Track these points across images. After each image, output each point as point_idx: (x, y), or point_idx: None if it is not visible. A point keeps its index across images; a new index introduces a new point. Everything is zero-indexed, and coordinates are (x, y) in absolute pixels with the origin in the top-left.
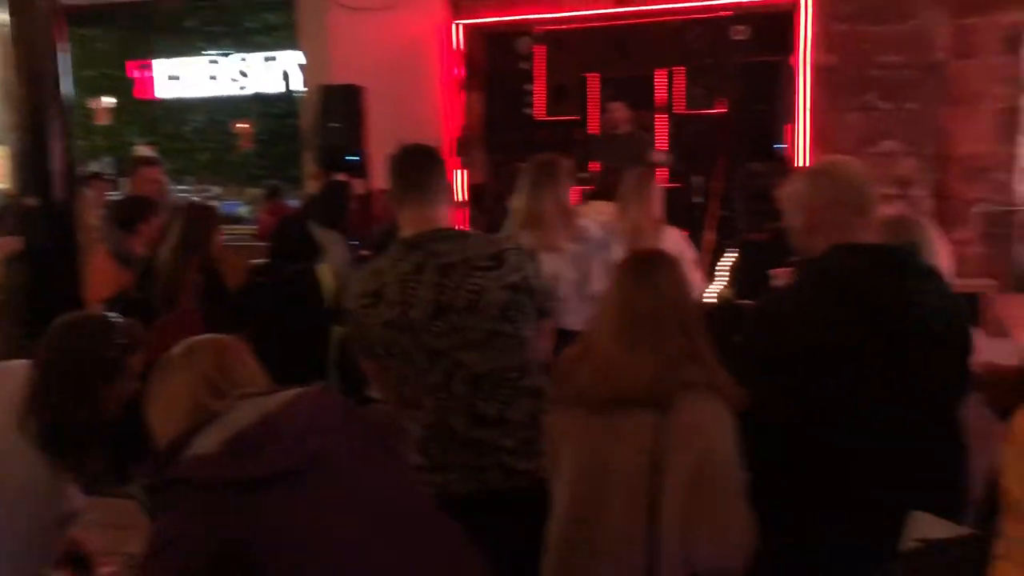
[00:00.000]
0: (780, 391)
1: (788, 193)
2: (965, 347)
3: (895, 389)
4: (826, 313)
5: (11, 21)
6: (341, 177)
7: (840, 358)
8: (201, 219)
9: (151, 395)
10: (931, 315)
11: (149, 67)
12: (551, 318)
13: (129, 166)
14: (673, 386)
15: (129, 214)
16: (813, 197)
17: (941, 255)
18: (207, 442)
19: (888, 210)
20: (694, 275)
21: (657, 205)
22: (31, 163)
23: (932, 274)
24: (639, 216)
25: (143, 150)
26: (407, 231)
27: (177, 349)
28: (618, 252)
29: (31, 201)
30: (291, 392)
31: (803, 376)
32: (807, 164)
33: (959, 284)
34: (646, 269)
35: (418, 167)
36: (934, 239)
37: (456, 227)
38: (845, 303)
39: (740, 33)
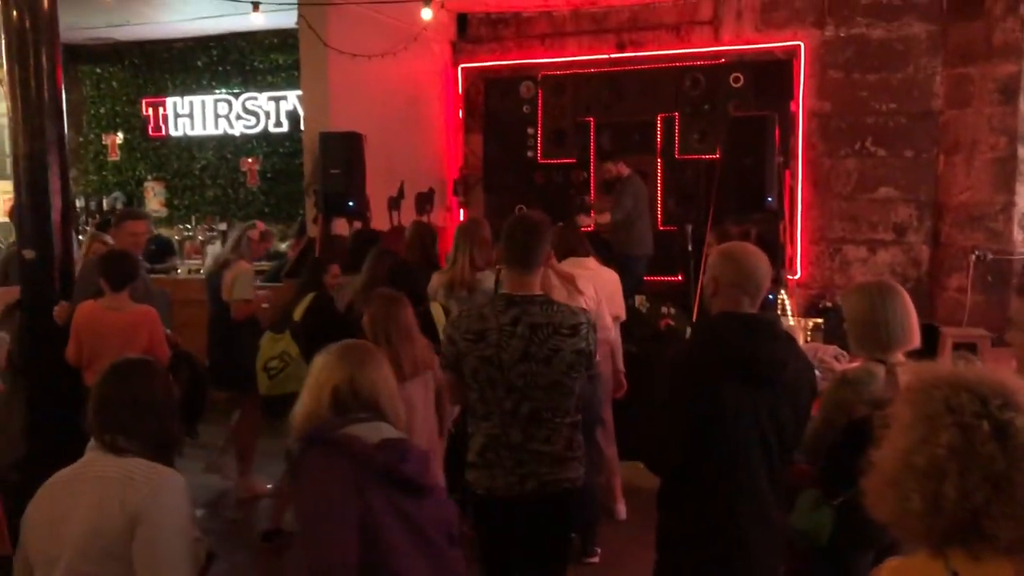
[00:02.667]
0: (675, 414)
1: (710, 263)
2: (810, 392)
3: (749, 419)
4: (702, 360)
5: (11, 75)
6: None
7: (708, 394)
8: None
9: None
10: (779, 366)
11: (161, 104)
12: (589, 376)
13: (115, 219)
14: None
15: (120, 272)
16: (720, 274)
17: (910, 319)
18: (362, 434)
19: (884, 256)
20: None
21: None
22: (31, 218)
23: (786, 336)
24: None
25: (152, 186)
26: (508, 288)
27: (336, 347)
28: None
29: (29, 253)
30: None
31: (685, 403)
32: (799, 212)
33: (955, 334)
34: None
35: (523, 241)
36: (906, 304)
37: (543, 294)
38: (715, 354)
39: (737, 81)
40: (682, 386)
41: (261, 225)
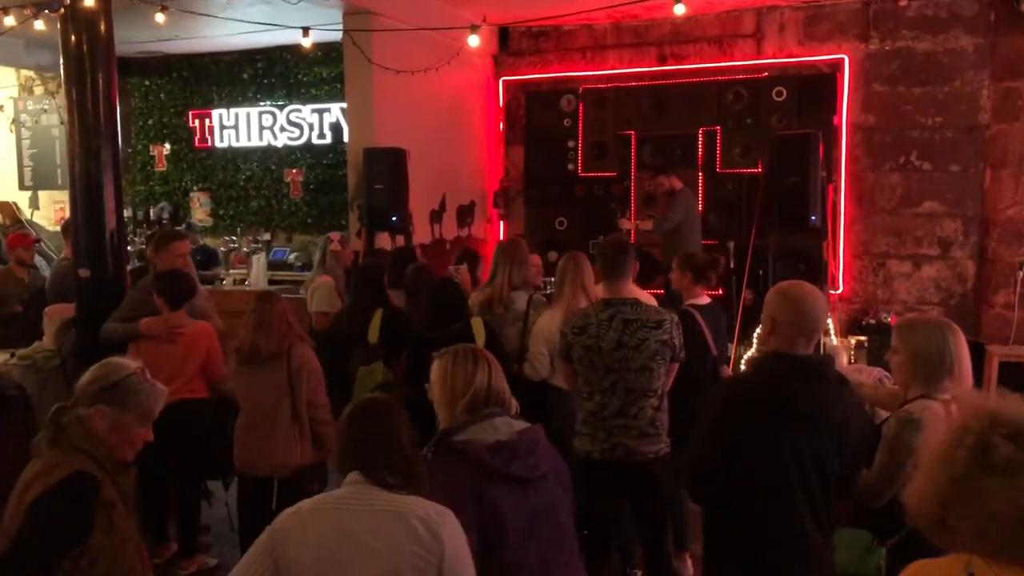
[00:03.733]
0: (719, 449)
1: (766, 301)
2: (859, 436)
3: (792, 461)
4: (749, 398)
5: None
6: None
7: (753, 432)
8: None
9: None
10: (826, 410)
11: (208, 116)
12: (677, 363)
13: (158, 239)
14: None
15: (178, 291)
16: (776, 313)
17: (964, 360)
18: (481, 436)
19: (928, 271)
20: None
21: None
22: (87, 237)
23: (837, 380)
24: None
25: (198, 196)
26: (606, 295)
27: (464, 352)
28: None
29: (85, 272)
30: (521, 423)
31: (730, 439)
32: (842, 226)
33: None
34: None
35: (614, 258)
36: (965, 346)
37: (635, 296)
38: (763, 394)
39: (780, 95)
40: (727, 421)
41: (336, 235)
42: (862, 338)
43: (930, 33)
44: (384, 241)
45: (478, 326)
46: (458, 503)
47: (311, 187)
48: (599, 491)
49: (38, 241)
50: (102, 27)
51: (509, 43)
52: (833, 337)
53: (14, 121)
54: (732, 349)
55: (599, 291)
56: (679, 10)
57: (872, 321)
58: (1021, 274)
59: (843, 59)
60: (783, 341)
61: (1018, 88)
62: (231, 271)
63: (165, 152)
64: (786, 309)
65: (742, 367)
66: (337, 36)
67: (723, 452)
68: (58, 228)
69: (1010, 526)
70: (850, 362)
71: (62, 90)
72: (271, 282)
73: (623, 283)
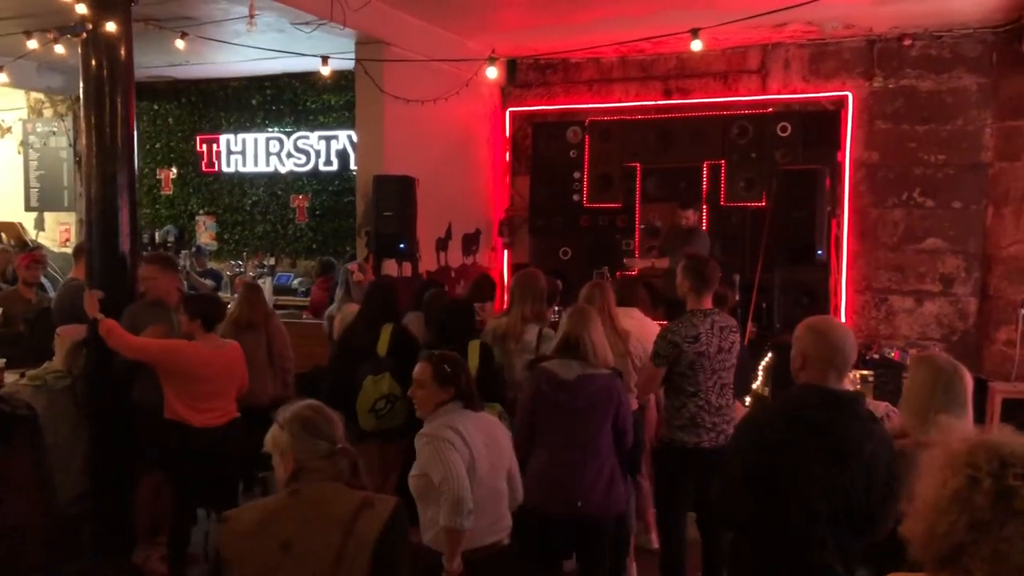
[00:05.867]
0: (748, 480)
1: (796, 336)
2: (887, 471)
3: (820, 494)
4: (779, 429)
5: (87, 120)
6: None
7: (782, 463)
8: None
9: None
10: (856, 445)
11: (215, 141)
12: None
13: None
14: None
15: (212, 313)
16: (807, 348)
17: (968, 399)
18: (555, 368)
19: (931, 307)
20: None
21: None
22: (101, 259)
23: (868, 416)
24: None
25: (204, 220)
26: (700, 306)
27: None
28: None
29: (99, 293)
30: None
31: (759, 468)
32: (845, 261)
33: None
34: None
35: (704, 274)
36: (965, 383)
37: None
38: (795, 426)
39: (785, 130)
40: (760, 453)
41: (354, 265)
42: (866, 372)
43: (934, 72)
44: (391, 268)
45: (474, 349)
46: (525, 402)
47: (316, 213)
48: (689, 483)
49: (41, 258)
50: (122, 52)
51: (517, 75)
52: None
53: (23, 143)
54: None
55: (621, 314)
56: (696, 46)
57: (876, 356)
58: (1022, 311)
59: (847, 96)
60: (815, 374)
61: (1020, 127)
62: (235, 295)
63: (172, 176)
64: (817, 344)
65: (746, 401)
66: (347, 64)
67: (755, 483)
68: (63, 249)
69: None
70: None
71: (71, 113)
72: (275, 307)
73: (710, 296)
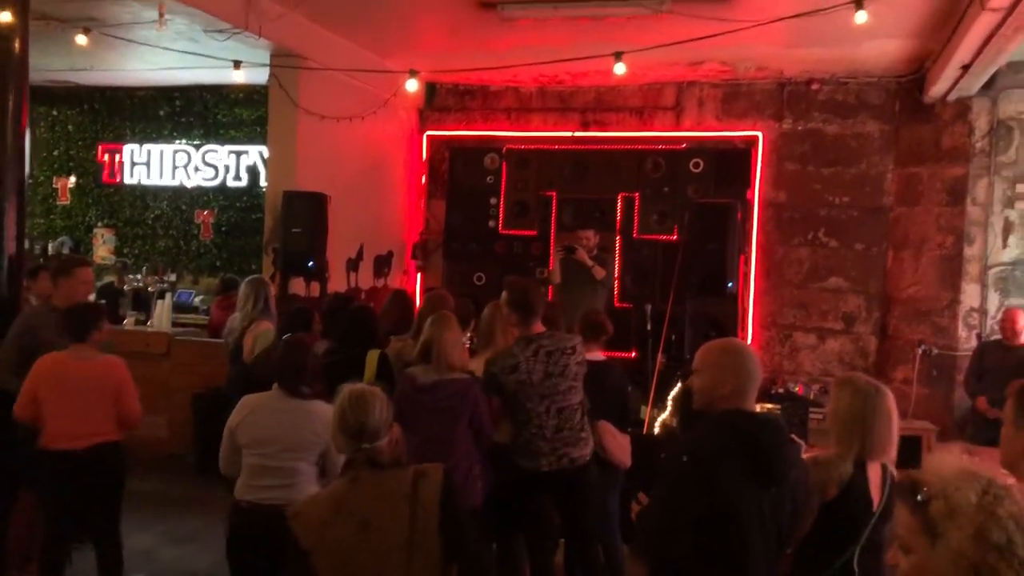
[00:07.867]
0: (678, 516)
1: (711, 362)
2: (805, 492)
3: (755, 518)
4: (714, 455)
5: None
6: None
7: (717, 490)
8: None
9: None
10: (789, 467)
11: (118, 151)
12: None
13: (63, 265)
14: None
15: (84, 323)
16: (731, 371)
17: (893, 419)
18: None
19: (833, 345)
20: None
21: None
22: None
23: (790, 439)
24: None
25: (102, 233)
26: (524, 334)
27: None
28: None
29: None
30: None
31: (692, 497)
32: (751, 297)
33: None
34: None
35: (527, 302)
36: (887, 405)
37: (545, 330)
38: (733, 451)
39: (697, 166)
40: (697, 479)
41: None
42: (771, 406)
43: (839, 117)
44: (299, 287)
45: (372, 357)
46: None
47: (222, 229)
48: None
49: None
50: (17, 45)
51: (435, 98)
52: None
53: None
54: (646, 412)
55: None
56: (619, 69)
57: (781, 390)
58: (919, 351)
59: (758, 136)
60: (737, 398)
61: (919, 174)
62: (131, 312)
63: (69, 185)
64: (740, 368)
65: (656, 430)
66: (261, 79)
67: (685, 512)
68: None
69: None
70: None
71: None
72: (175, 324)
73: (535, 322)
